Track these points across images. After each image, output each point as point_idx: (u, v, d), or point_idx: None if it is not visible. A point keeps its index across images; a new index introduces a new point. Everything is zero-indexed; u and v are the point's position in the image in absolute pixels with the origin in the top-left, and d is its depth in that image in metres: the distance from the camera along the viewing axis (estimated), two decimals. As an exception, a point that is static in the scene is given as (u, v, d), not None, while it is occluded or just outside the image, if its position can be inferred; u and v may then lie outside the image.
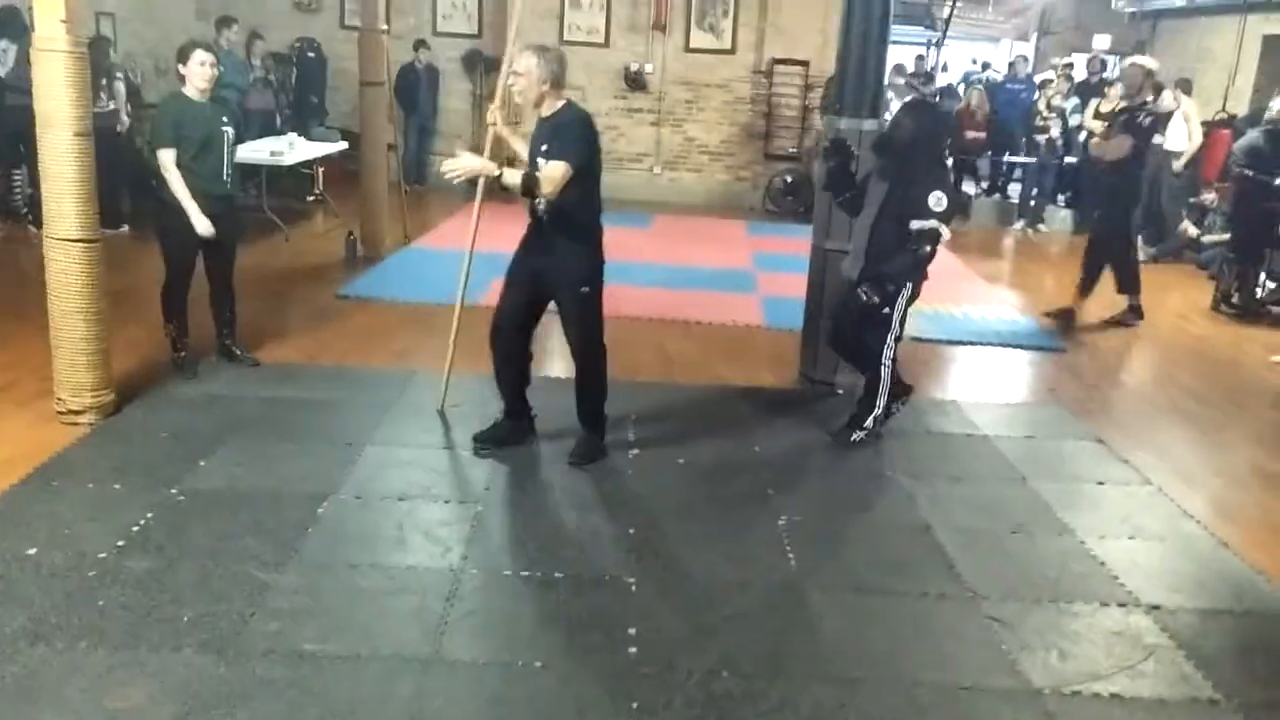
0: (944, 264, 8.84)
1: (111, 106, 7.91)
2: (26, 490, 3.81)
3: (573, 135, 4.05)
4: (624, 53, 11.79)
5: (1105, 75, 12.38)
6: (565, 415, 4.58)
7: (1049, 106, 11.34)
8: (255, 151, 8.25)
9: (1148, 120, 7.04)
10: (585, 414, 4.48)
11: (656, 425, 4.89)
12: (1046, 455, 4.80)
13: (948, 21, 15.53)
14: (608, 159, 11.83)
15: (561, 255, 4.19)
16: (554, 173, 3.96)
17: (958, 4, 15.55)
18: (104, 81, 7.69)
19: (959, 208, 4.71)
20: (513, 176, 4.02)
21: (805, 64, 11.61)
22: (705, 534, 3.83)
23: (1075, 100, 11.47)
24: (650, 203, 11.58)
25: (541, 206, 4.11)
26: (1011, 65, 12.84)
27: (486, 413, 4.71)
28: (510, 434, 4.54)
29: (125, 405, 4.64)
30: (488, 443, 4.48)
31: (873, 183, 4.71)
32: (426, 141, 11.70)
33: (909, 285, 4.63)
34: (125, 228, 8.09)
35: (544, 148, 4.07)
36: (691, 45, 11.76)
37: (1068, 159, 11.45)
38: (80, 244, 4.30)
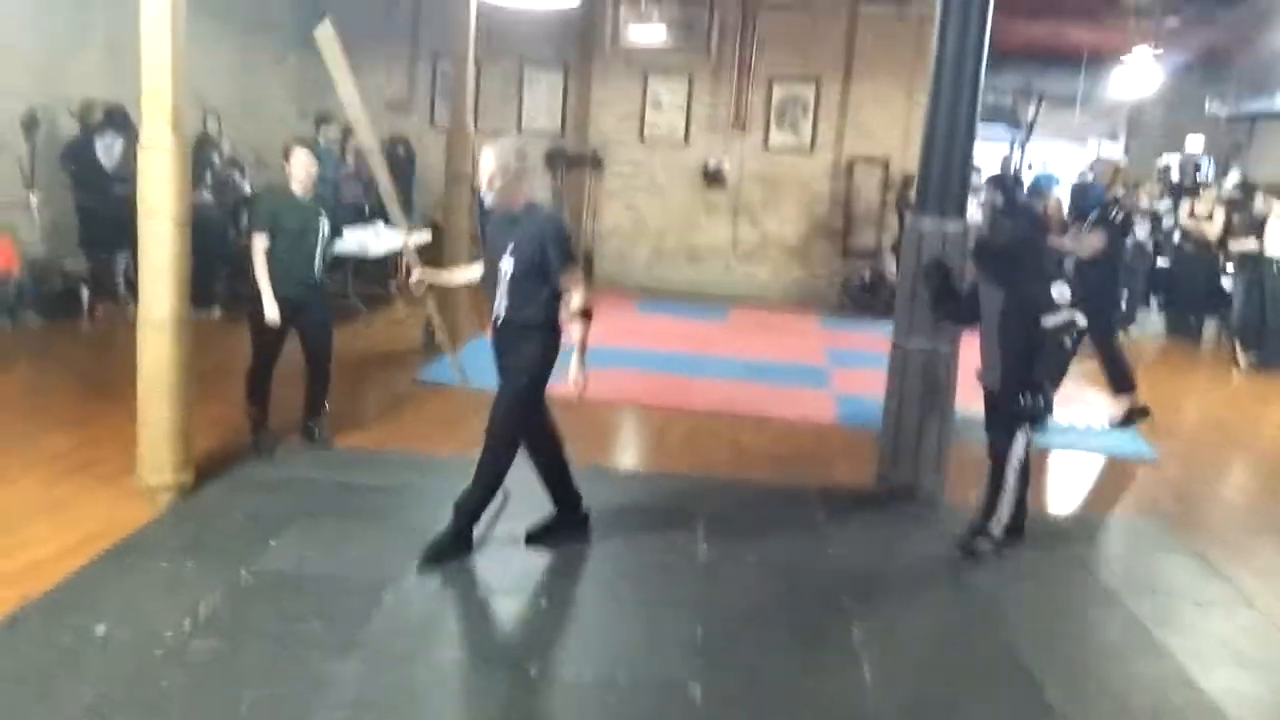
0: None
1: (205, 198, 8.22)
2: (103, 567, 3.86)
3: (564, 239, 4.07)
4: (702, 151, 11.97)
5: (1200, 178, 12.17)
6: (632, 509, 4.51)
7: (1140, 210, 11.13)
8: (344, 243, 8.49)
9: (1120, 216, 7.14)
10: (460, 498, 4.22)
11: (728, 523, 4.78)
12: (1142, 571, 4.56)
13: (1032, 123, 15.57)
14: (686, 252, 12.10)
15: (521, 347, 4.13)
16: (580, 283, 4.09)
17: (1042, 105, 15.61)
18: (206, 174, 8.06)
19: (1080, 296, 4.60)
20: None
21: (885, 162, 11.63)
22: (775, 641, 3.69)
23: (1168, 201, 11.25)
24: (726, 296, 11.60)
25: (505, 313, 4.08)
26: (1093, 167, 12.69)
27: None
28: (560, 528, 4.43)
29: (203, 484, 4.70)
30: (539, 539, 4.38)
31: (984, 290, 4.60)
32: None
33: (1049, 387, 4.47)
34: (217, 310, 8.35)
35: (511, 245, 4.00)
36: (771, 144, 11.89)
37: (1160, 261, 11.18)
38: (172, 326, 4.44)
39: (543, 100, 12.23)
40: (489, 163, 3.98)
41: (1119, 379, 7.04)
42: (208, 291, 7.99)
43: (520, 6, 9.12)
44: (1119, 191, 7.41)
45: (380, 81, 12.23)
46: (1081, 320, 4.39)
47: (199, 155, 8.35)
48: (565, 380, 4.12)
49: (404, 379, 6.97)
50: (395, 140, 11.49)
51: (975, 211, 10.61)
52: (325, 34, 4.55)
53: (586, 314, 4.09)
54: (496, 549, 4.32)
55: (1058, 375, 4.43)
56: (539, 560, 4.24)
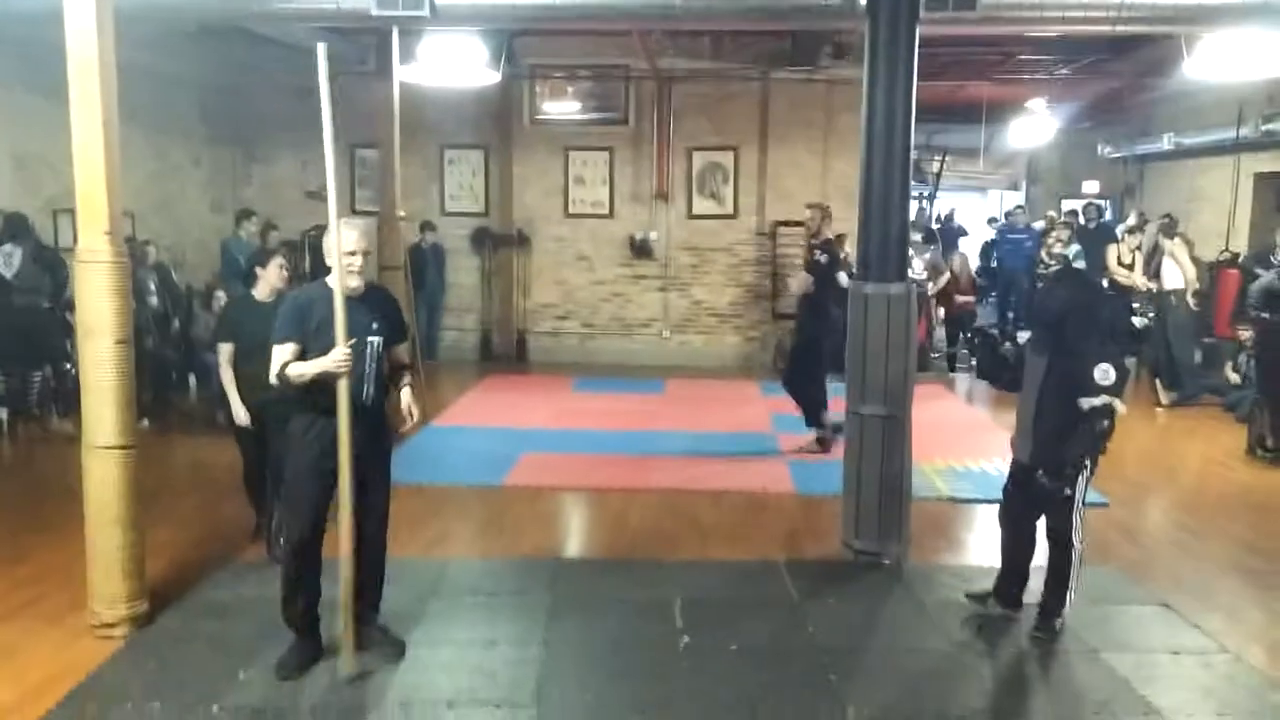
0: (972, 418, 8.88)
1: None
2: (62, 717, 3.63)
3: (401, 312, 4.18)
4: (628, 222, 12.09)
5: (1104, 220, 12.70)
6: (606, 601, 4.41)
7: (1049, 254, 11.54)
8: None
9: (825, 259, 7.56)
10: (375, 599, 4.14)
11: (703, 609, 4.72)
12: (1114, 623, 4.62)
13: (939, 175, 16.14)
14: (619, 325, 12.15)
15: (384, 432, 4.11)
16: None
17: (947, 158, 16.20)
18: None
19: (1126, 377, 4.49)
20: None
21: (806, 224, 11.86)
22: (773, 732, 3.64)
23: (1076, 247, 11.70)
24: (661, 367, 11.65)
25: (374, 394, 4.00)
26: (1009, 215, 13.17)
27: (526, 602, 4.55)
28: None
29: (159, 613, 4.49)
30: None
31: (1030, 357, 4.49)
32: (435, 318, 11.86)
33: (1088, 465, 4.37)
34: (145, 422, 8.05)
35: (375, 325, 3.94)
36: (694, 211, 12.07)
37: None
38: (120, 450, 4.26)
39: (465, 181, 12.24)
40: (358, 242, 3.90)
41: (811, 411, 7.62)
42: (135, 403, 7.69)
43: (440, 86, 9.18)
44: (828, 234, 7.82)
45: (298, 173, 12.14)
46: (1121, 407, 4.28)
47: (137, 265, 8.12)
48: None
49: (351, 479, 6.79)
50: (318, 229, 11.32)
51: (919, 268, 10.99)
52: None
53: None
54: (479, 654, 4.20)
55: (1087, 457, 4.38)
56: (526, 671, 4.10)
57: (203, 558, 5.24)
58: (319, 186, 12.10)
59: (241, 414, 5.12)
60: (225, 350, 5.19)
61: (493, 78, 9.24)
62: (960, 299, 11.99)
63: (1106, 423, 4.25)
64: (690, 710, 3.80)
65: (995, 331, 4.72)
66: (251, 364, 4.96)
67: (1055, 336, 4.34)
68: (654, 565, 5.36)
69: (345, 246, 3.85)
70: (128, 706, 3.72)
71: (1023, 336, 4.76)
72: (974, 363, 4.83)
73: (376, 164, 9.67)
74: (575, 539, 6.08)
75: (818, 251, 7.65)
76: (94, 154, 4.10)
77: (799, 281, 7.62)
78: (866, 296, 5.36)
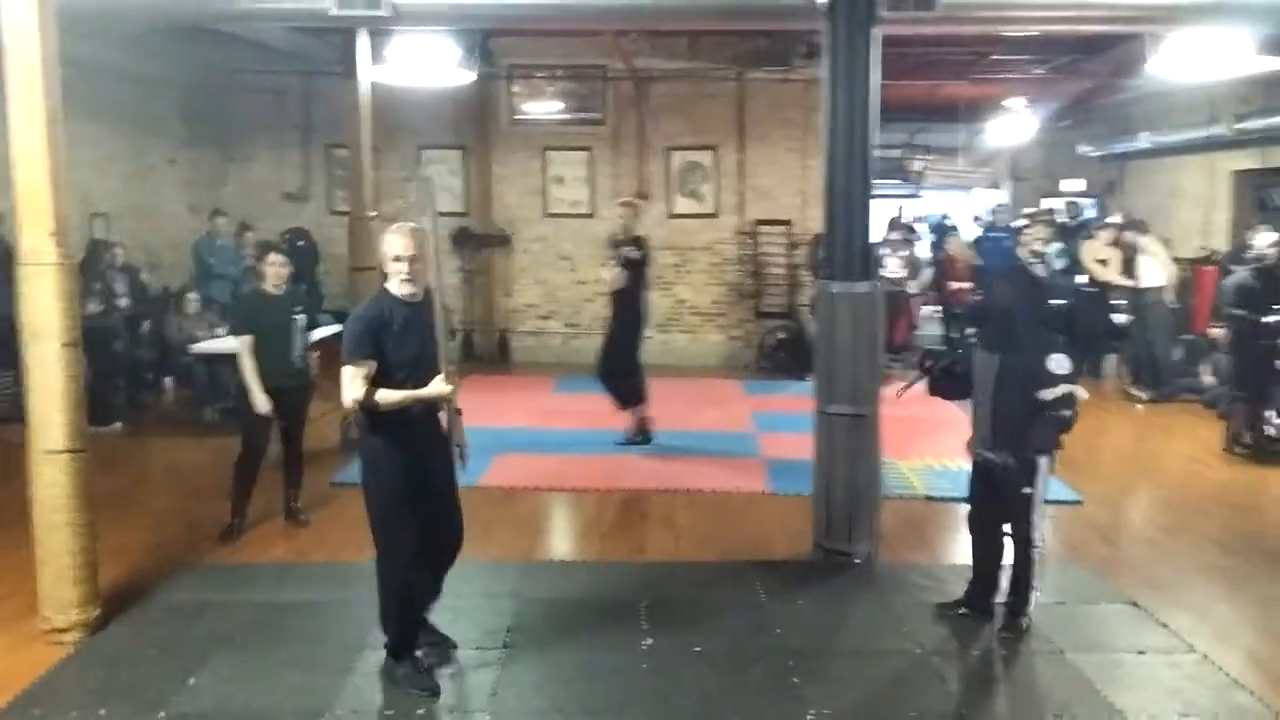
0: (952, 416, 8.79)
1: (96, 309, 7.80)
2: (4, 724, 3.57)
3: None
4: (609, 222, 11.98)
5: (1084, 218, 12.67)
6: (573, 602, 4.36)
7: (1032, 253, 11.49)
8: (232, 340, 8.18)
9: (637, 253, 7.77)
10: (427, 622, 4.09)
11: (669, 610, 4.67)
12: (1081, 623, 4.57)
13: (921, 174, 16.10)
14: (601, 325, 12.04)
15: (439, 434, 3.96)
16: None
17: (929, 157, 16.17)
18: (97, 285, 7.75)
19: (1079, 367, 4.47)
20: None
21: (787, 223, 11.83)
22: (731, 735, 3.58)
23: (1058, 245, 11.66)
24: (644, 366, 11.54)
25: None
26: (994, 213, 13.12)
27: (492, 605, 4.49)
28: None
29: (112, 619, 4.42)
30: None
31: (980, 355, 4.43)
32: (416, 317, 11.77)
33: (1046, 461, 4.33)
34: (118, 424, 7.99)
35: (431, 330, 3.78)
36: (675, 211, 12.01)
37: (1055, 302, 11.53)
38: (68, 455, 4.19)
39: (443, 181, 12.14)
40: (409, 248, 3.70)
41: (625, 398, 7.87)
42: (106, 407, 7.63)
43: (415, 85, 9.11)
44: (638, 232, 7.97)
45: (275, 174, 12.07)
46: (1083, 394, 4.27)
47: (91, 264, 8.05)
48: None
49: (321, 482, 6.69)
50: (294, 232, 11.28)
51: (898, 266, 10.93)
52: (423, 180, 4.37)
53: None
54: (456, 660, 4.14)
55: (1053, 449, 4.34)
56: (484, 675, 4.04)
57: (165, 560, 5.17)
58: (297, 189, 12.11)
59: (263, 403, 5.45)
60: (246, 342, 5.49)
61: (467, 78, 9.18)
62: (955, 285, 11.81)
63: (1069, 412, 4.22)
64: (647, 713, 3.75)
65: (942, 349, 4.64)
66: (266, 351, 5.47)
67: (1004, 332, 4.31)
68: (623, 566, 5.31)
69: (392, 252, 3.72)
70: (72, 715, 3.65)
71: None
72: (923, 386, 4.75)
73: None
74: (546, 540, 6.02)
75: (629, 248, 7.77)
76: (36, 153, 4.00)
77: (613, 278, 7.77)
78: (833, 295, 5.31)
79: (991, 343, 4.37)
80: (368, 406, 3.67)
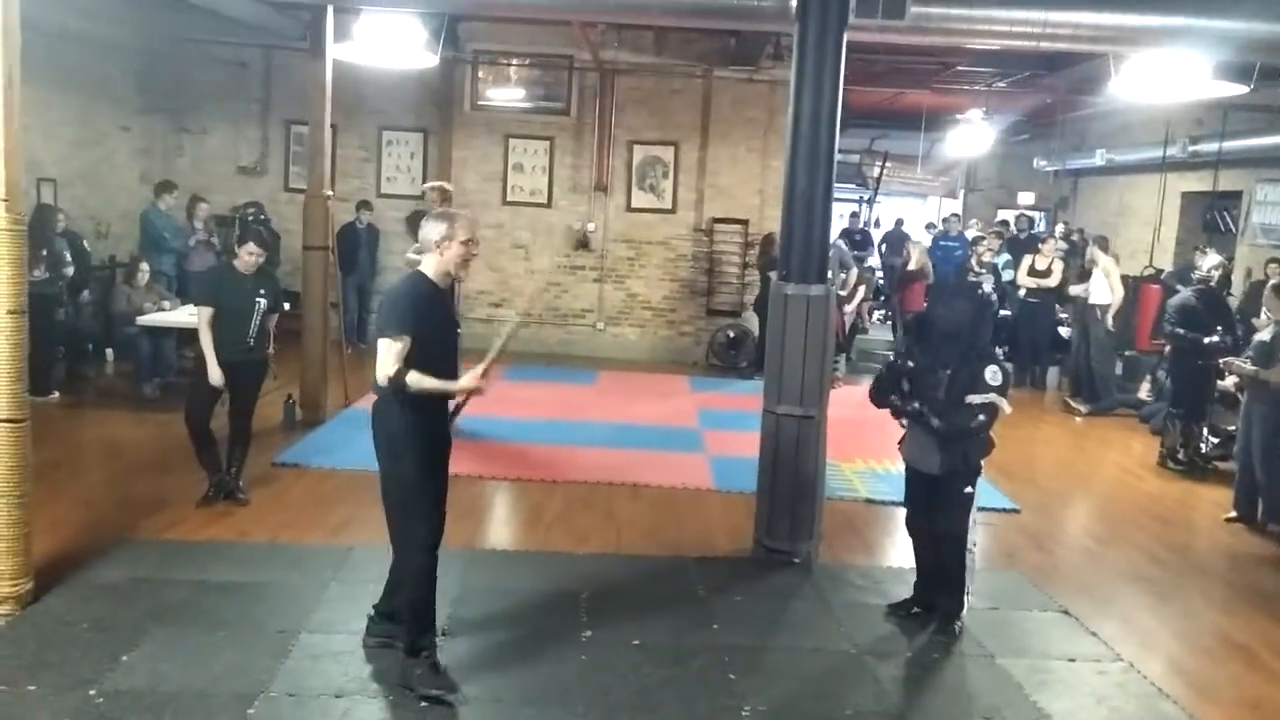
0: (890, 418, 8.90)
1: (41, 275, 7.64)
2: (-73, 699, 3.49)
3: None
4: (566, 213, 12.00)
5: (1034, 232, 12.90)
6: (512, 592, 4.36)
7: (980, 263, 11.70)
8: (182, 314, 8.06)
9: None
10: (398, 616, 3.93)
11: (609, 602, 4.70)
12: (1013, 629, 4.68)
13: (879, 180, 16.27)
14: (554, 315, 12.07)
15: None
16: None
17: (888, 163, 16.34)
18: (43, 252, 7.58)
19: (1010, 380, 4.58)
20: None
21: (744, 222, 11.90)
22: (666, 728, 3.61)
23: (1006, 256, 11.87)
24: (594, 359, 11.58)
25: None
26: (946, 222, 13.32)
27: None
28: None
29: (45, 593, 4.34)
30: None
31: (926, 370, 4.50)
32: (366, 300, 11.66)
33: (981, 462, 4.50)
34: (55, 395, 7.83)
35: (454, 315, 4.02)
36: (633, 205, 12.01)
37: (1002, 313, 11.75)
38: (8, 424, 4.10)
39: (402, 163, 12.06)
40: (476, 233, 3.74)
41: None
42: (45, 377, 7.48)
43: (377, 66, 9.02)
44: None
45: (231, 147, 11.89)
46: (1007, 408, 4.39)
47: (38, 230, 7.86)
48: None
49: (263, 461, 6.61)
50: (254, 206, 11.09)
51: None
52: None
53: None
54: (374, 650, 4.12)
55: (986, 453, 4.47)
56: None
57: (100, 535, 5.08)
58: (253, 163, 11.93)
59: (218, 375, 5.51)
60: (205, 313, 5.53)
61: (430, 60, 9.08)
62: (908, 293, 11.89)
63: (984, 417, 4.34)
64: (583, 704, 3.77)
65: (899, 361, 4.65)
66: (225, 327, 5.53)
67: (962, 346, 4.40)
68: (565, 558, 5.32)
69: (462, 235, 3.69)
70: (0, 689, 3.58)
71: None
72: (871, 391, 4.78)
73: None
74: (489, 529, 6.00)
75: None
76: (-13, 112, 3.91)
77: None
78: (786, 297, 5.36)
79: (946, 356, 4.45)
80: (397, 384, 3.60)
